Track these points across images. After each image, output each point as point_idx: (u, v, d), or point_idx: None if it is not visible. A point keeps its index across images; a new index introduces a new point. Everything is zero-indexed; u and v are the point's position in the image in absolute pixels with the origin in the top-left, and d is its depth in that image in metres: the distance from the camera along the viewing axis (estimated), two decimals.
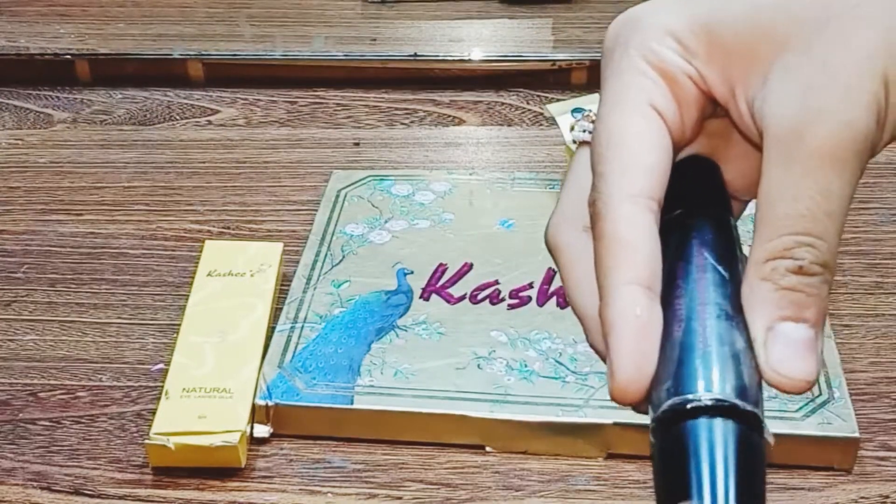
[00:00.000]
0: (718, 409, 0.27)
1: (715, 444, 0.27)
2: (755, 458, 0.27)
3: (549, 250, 0.33)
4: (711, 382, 0.27)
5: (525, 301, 0.63)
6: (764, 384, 0.28)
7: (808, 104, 0.28)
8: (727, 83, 0.30)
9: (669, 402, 0.28)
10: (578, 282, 0.31)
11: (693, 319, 0.29)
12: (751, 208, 0.31)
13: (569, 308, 0.64)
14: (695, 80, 0.31)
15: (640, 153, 0.30)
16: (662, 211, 0.30)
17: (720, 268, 0.30)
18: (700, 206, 0.31)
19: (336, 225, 0.69)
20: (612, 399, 0.29)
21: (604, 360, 0.30)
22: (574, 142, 0.33)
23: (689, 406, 0.27)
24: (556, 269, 0.65)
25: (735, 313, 0.29)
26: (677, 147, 0.31)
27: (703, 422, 0.27)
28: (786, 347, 0.28)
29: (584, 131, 0.33)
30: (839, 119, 0.28)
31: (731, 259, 0.30)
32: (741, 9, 0.30)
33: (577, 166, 0.33)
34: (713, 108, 0.32)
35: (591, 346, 0.31)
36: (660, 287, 0.29)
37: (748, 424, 0.27)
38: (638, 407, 0.29)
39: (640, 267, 0.29)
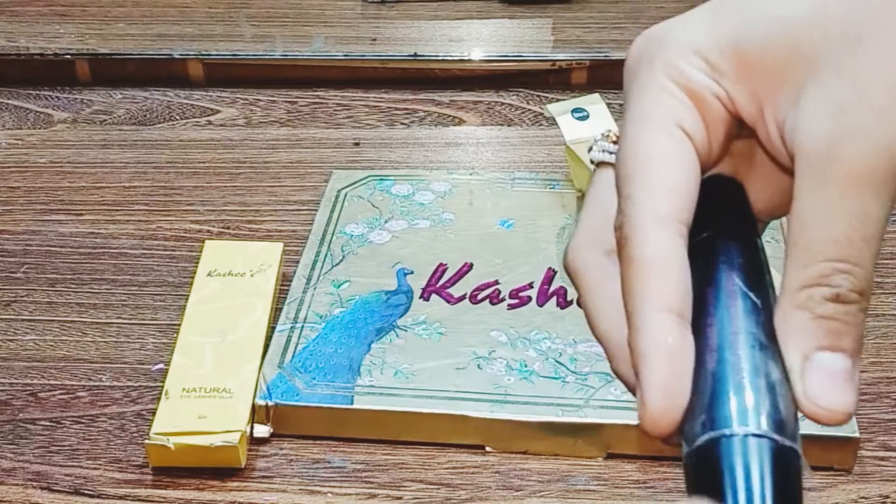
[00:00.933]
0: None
1: (751, 464, 0.26)
2: (792, 483, 0.27)
3: (569, 274, 0.32)
4: (747, 416, 0.27)
5: (525, 301, 0.63)
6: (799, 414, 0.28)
7: (842, 124, 0.27)
8: (755, 103, 0.30)
9: (705, 436, 0.27)
10: (601, 307, 0.31)
11: (725, 349, 0.28)
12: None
13: (569, 308, 0.65)
14: (722, 100, 0.30)
15: (669, 175, 0.29)
16: (689, 233, 0.29)
17: (752, 294, 0.29)
18: (727, 228, 0.31)
19: (336, 225, 0.69)
20: (644, 430, 0.28)
21: (630, 388, 0.29)
22: (592, 162, 0.33)
23: (725, 441, 0.27)
24: (556, 270, 0.65)
25: (769, 342, 0.28)
26: (704, 168, 0.30)
27: (738, 443, 0.27)
28: (823, 378, 0.27)
29: (604, 152, 0.32)
30: (875, 139, 0.27)
31: (761, 284, 0.29)
32: (770, 26, 0.29)
33: (596, 187, 0.32)
34: (739, 129, 0.31)
35: (616, 372, 0.31)
36: (690, 314, 0.28)
37: (785, 458, 0.27)
38: (668, 439, 0.29)
39: (671, 293, 0.28)
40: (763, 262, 0.30)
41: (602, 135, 0.33)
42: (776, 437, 0.27)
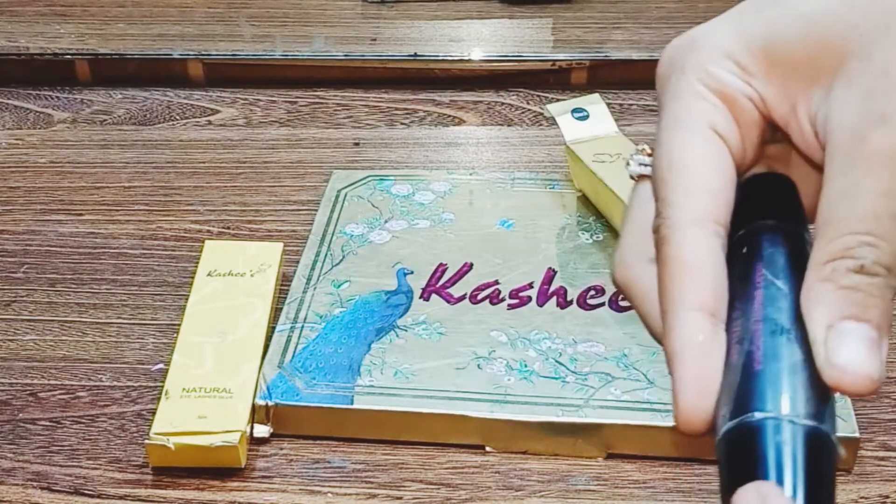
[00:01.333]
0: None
1: (782, 442, 0.27)
2: (821, 457, 0.27)
3: (619, 288, 0.32)
4: (765, 402, 0.27)
5: (525, 301, 0.63)
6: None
7: (871, 108, 0.28)
8: (788, 101, 0.30)
9: (725, 427, 0.27)
10: (655, 314, 0.31)
11: (746, 340, 0.28)
12: None
13: (569, 308, 0.65)
14: (754, 101, 0.30)
15: (704, 176, 0.29)
16: (731, 231, 0.29)
17: (778, 282, 0.29)
18: (767, 223, 0.31)
19: (336, 225, 0.69)
20: (678, 428, 0.28)
21: None
22: (631, 177, 0.33)
23: (743, 427, 0.27)
24: (556, 270, 0.65)
25: (792, 326, 0.28)
26: (739, 171, 0.31)
27: (754, 428, 0.27)
28: (847, 343, 0.27)
29: (641, 165, 0.33)
30: None
31: (791, 272, 0.29)
32: (797, 24, 0.30)
33: (635, 201, 0.33)
34: (773, 133, 0.31)
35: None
36: (725, 313, 0.28)
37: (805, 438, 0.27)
38: (702, 436, 0.29)
39: (704, 292, 0.28)
40: (804, 251, 0.30)
41: (637, 149, 0.34)
42: (794, 419, 0.27)
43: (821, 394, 0.27)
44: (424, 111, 0.86)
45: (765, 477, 0.26)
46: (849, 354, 0.27)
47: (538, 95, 0.87)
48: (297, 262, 0.66)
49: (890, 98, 0.28)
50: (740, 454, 0.27)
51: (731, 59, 0.30)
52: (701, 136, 0.30)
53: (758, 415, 0.27)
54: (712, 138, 0.30)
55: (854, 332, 0.27)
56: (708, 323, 0.28)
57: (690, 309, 0.28)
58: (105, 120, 0.86)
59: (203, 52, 0.90)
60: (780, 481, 0.26)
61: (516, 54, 0.89)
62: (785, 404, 0.27)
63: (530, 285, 0.64)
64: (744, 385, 0.27)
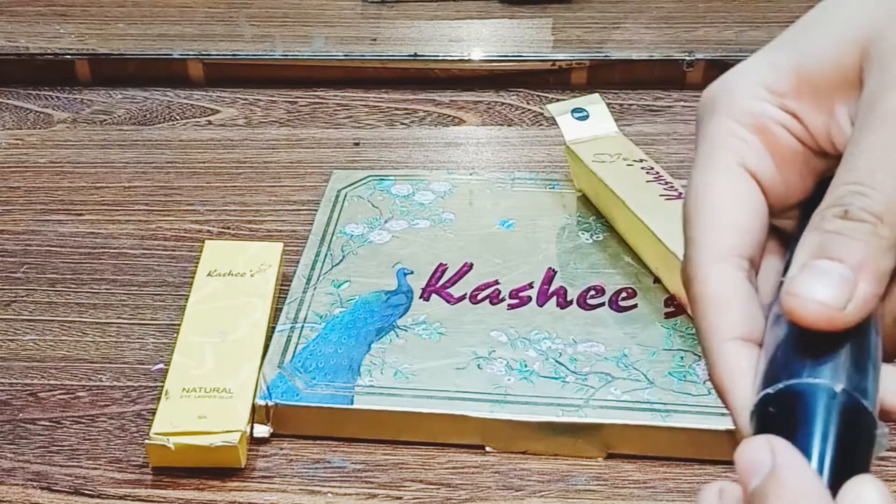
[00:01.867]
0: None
1: (809, 404, 0.27)
2: (848, 422, 0.26)
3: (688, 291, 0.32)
4: (760, 386, 0.27)
5: (525, 301, 0.63)
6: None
7: (884, 79, 0.28)
8: (824, 111, 0.30)
9: (754, 400, 0.28)
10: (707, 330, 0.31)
11: (767, 331, 0.29)
12: None
13: (569, 308, 0.65)
14: (790, 128, 0.30)
15: (728, 213, 0.30)
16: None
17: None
18: None
19: (336, 225, 0.69)
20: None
21: None
22: None
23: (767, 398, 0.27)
24: (556, 270, 0.65)
25: None
26: (781, 206, 0.31)
27: (797, 390, 0.27)
28: (813, 277, 0.27)
29: None
30: None
31: None
32: (826, 39, 0.30)
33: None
34: (824, 163, 0.31)
35: None
36: (761, 333, 0.29)
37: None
38: None
39: (735, 322, 0.28)
40: None
41: None
42: (784, 383, 0.27)
43: (859, 366, 0.27)
44: (424, 111, 0.86)
45: (785, 435, 0.26)
46: (809, 286, 0.27)
47: (538, 95, 0.87)
48: (297, 262, 0.66)
49: None
50: (766, 419, 0.27)
51: (762, 87, 0.31)
52: (728, 173, 0.30)
53: (786, 382, 0.27)
54: (740, 175, 0.30)
55: (823, 268, 0.27)
56: (746, 348, 0.28)
57: (725, 340, 0.28)
58: (105, 120, 0.86)
59: (203, 52, 0.90)
60: (800, 438, 0.26)
61: (516, 54, 0.89)
62: (775, 378, 0.27)
63: (530, 285, 0.64)
64: (764, 368, 0.28)
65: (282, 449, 0.56)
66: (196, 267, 0.64)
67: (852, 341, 0.28)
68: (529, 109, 0.86)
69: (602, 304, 0.62)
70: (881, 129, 0.28)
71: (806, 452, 0.26)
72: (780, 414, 0.27)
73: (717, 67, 0.87)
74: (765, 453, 0.26)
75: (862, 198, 0.27)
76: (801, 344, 0.27)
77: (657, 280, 0.64)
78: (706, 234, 0.29)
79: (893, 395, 0.28)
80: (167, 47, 0.90)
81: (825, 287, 0.27)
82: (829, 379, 0.27)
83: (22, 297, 0.67)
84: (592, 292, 0.63)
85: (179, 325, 0.61)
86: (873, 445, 0.27)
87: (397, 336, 0.60)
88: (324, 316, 0.61)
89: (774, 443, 0.26)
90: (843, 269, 0.27)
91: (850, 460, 0.26)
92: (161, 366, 0.61)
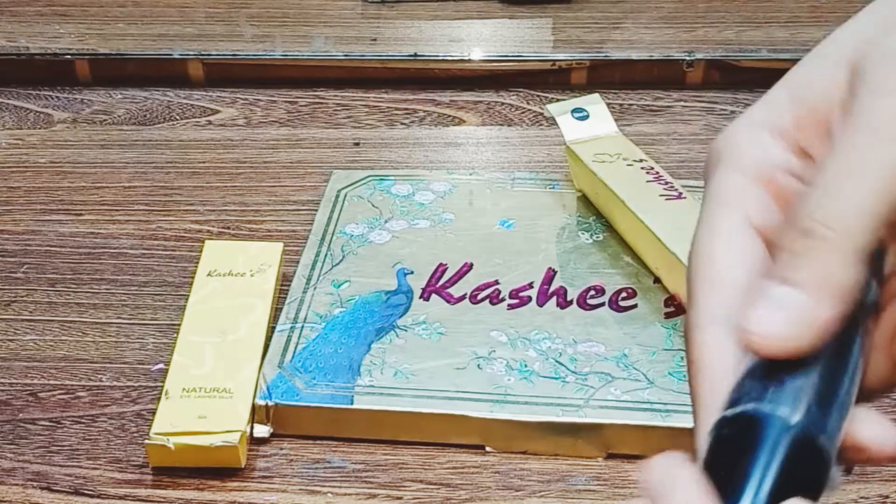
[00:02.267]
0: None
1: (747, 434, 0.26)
2: (786, 452, 0.25)
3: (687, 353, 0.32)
4: (722, 408, 0.27)
5: (525, 301, 0.63)
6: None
7: (866, 86, 0.27)
8: (825, 133, 0.29)
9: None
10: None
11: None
12: None
13: (569, 308, 0.65)
14: (796, 171, 0.29)
15: (727, 274, 0.28)
16: None
17: None
18: None
19: (336, 225, 0.69)
20: None
21: None
22: None
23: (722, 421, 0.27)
24: (556, 270, 0.65)
25: None
26: None
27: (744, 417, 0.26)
28: (766, 304, 0.26)
29: None
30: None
31: None
32: (816, 64, 0.30)
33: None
34: None
35: None
36: None
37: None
38: None
39: (721, 392, 0.27)
40: None
41: None
42: (728, 412, 0.26)
43: (825, 398, 0.26)
44: (424, 111, 0.86)
45: (731, 460, 0.26)
46: (764, 317, 0.26)
47: (538, 95, 0.87)
48: (297, 262, 0.66)
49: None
50: (719, 441, 0.27)
51: (764, 130, 0.30)
52: (730, 233, 0.29)
53: (744, 407, 0.26)
54: (743, 233, 0.29)
55: (777, 295, 0.26)
56: None
57: (710, 412, 0.27)
58: (105, 120, 0.85)
59: (203, 52, 0.90)
60: (744, 466, 0.25)
61: (516, 54, 0.89)
62: (737, 402, 0.26)
63: (530, 285, 0.64)
64: (741, 385, 0.27)
65: (282, 449, 0.56)
66: (196, 267, 0.64)
67: (824, 367, 0.27)
68: (529, 109, 0.86)
69: (602, 304, 0.62)
70: (854, 136, 0.27)
71: (746, 481, 0.25)
72: (732, 438, 0.26)
73: (717, 67, 0.87)
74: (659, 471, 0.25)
75: (822, 210, 0.26)
76: (768, 370, 0.27)
77: (657, 280, 0.64)
78: (704, 296, 0.29)
79: (868, 433, 0.27)
80: (167, 47, 0.90)
81: (779, 317, 0.26)
82: (786, 409, 0.26)
83: (22, 297, 0.67)
84: (592, 292, 0.63)
85: (179, 325, 0.61)
86: (824, 484, 0.26)
87: (397, 336, 0.60)
88: (324, 316, 0.61)
89: (671, 461, 0.26)
90: (797, 294, 0.26)
91: (789, 495, 0.25)
92: (161, 366, 0.61)
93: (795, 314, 0.26)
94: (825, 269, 0.26)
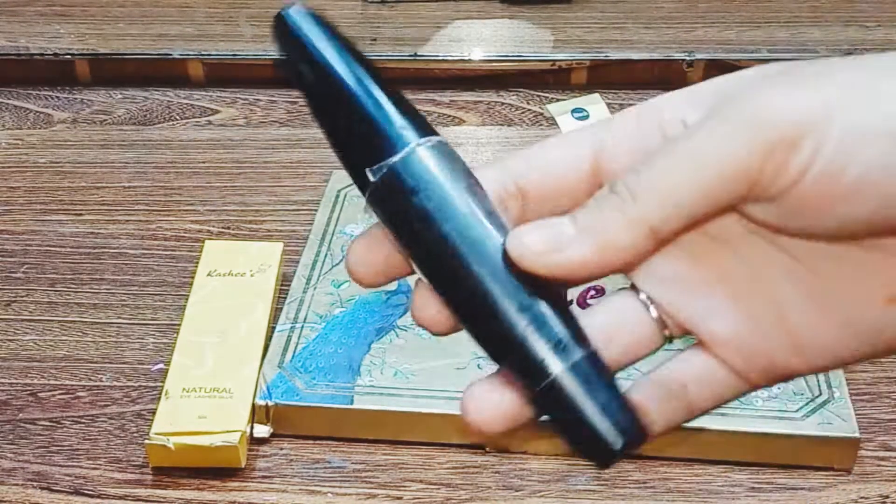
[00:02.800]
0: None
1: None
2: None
3: None
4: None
5: None
6: None
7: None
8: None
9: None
10: None
11: None
12: None
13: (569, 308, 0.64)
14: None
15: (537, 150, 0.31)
16: None
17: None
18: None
19: (336, 225, 0.69)
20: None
21: None
22: None
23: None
24: None
25: None
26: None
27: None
28: (539, 224, 0.28)
29: None
30: None
31: None
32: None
33: None
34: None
35: None
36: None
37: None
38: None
39: None
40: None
41: None
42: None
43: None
44: (424, 111, 0.85)
45: None
46: (529, 229, 0.28)
47: (538, 95, 0.87)
48: (297, 262, 0.66)
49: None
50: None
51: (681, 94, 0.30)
52: (574, 137, 0.31)
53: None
54: (583, 140, 0.31)
55: (552, 221, 0.28)
56: None
57: None
58: (105, 120, 0.85)
59: (203, 52, 0.90)
60: None
61: (516, 54, 0.89)
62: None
63: None
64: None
65: (282, 449, 0.56)
66: (196, 267, 0.64)
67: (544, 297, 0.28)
68: (529, 109, 0.86)
69: None
70: (696, 129, 0.27)
71: None
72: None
73: (718, 67, 0.87)
74: None
75: (633, 175, 0.27)
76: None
77: None
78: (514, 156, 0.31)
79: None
80: (167, 47, 0.90)
81: (541, 234, 0.28)
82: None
83: (22, 297, 0.67)
84: (592, 292, 0.63)
85: (179, 325, 0.61)
86: None
87: (397, 336, 0.60)
88: (324, 316, 0.61)
89: None
90: (567, 226, 0.28)
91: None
92: (161, 366, 0.61)
93: (552, 237, 0.27)
94: (604, 222, 0.27)
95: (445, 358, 0.59)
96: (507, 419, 0.29)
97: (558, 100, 0.81)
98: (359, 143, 0.30)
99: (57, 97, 0.88)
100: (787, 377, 0.30)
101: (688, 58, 0.87)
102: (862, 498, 0.53)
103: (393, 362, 0.58)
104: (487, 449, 0.56)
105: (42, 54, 0.90)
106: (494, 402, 0.29)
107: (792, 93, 0.26)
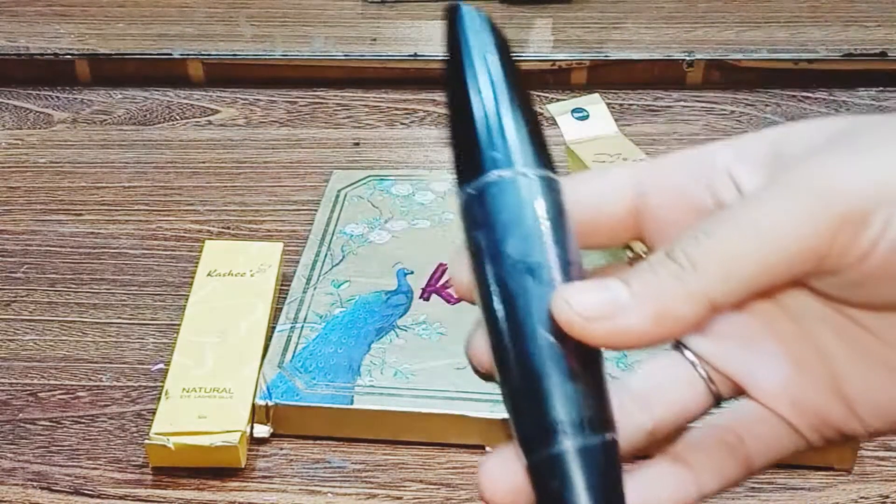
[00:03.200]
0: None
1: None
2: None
3: None
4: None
5: None
6: None
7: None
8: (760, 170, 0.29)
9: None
10: None
11: None
12: None
13: None
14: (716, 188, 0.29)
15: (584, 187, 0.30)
16: None
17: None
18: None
19: (336, 225, 0.69)
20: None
21: None
22: None
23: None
24: None
25: None
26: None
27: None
28: (591, 285, 0.26)
29: None
30: None
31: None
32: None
33: None
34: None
35: None
36: None
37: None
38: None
39: None
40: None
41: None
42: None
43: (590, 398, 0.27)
44: (424, 111, 0.86)
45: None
46: (580, 289, 0.26)
47: (538, 95, 0.87)
48: (297, 262, 0.66)
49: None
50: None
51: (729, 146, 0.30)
52: (615, 176, 0.30)
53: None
54: (621, 181, 0.30)
55: (605, 283, 0.26)
56: None
57: None
58: (105, 120, 0.85)
59: (203, 52, 0.90)
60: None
61: (516, 54, 0.89)
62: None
63: None
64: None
65: (282, 449, 0.56)
66: (196, 267, 0.64)
67: (585, 374, 0.26)
68: None
69: None
70: (765, 196, 0.26)
71: None
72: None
73: (718, 67, 0.87)
74: None
75: (692, 241, 0.26)
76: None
77: None
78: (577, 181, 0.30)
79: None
80: (167, 47, 0.90)
81: (589, 296, 0.26)
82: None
83: (22, 297, 0.67)
84: None
85: (179, 325, 0.61)
86: None
87: (397, 336, 0.60)
88: (324, 316, 0.61)
89: None
90: (622, 290, 0.26)
91: None
92: (161, 366, 0.61)
93: (606, 302, 0.26)
94: (662, 290, 0.26)
95: (445, 358, 0.59)
96: (522, 494, 0.27)
97: (558, 100, 0.81)
98: (464, 152, 0.28)
99: (57, 97, 0.88)
100: (844, 437, 0.28)
101: (688, 58, 0.87)
102: (862, 498, 0.53)
103: (393, 362, 0.58)
104: (487, 449, 0.56)
105: (42, 54, 0.90)
106: (508, 477, 0.27)
107: (860, 163, 0.25)
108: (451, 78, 0.29)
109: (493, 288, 0.27)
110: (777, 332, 0.28)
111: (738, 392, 0.29)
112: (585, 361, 0.27)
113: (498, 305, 0.27)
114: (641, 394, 0.29)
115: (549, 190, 0.27)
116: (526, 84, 0.29)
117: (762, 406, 0.29)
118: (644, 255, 0.30)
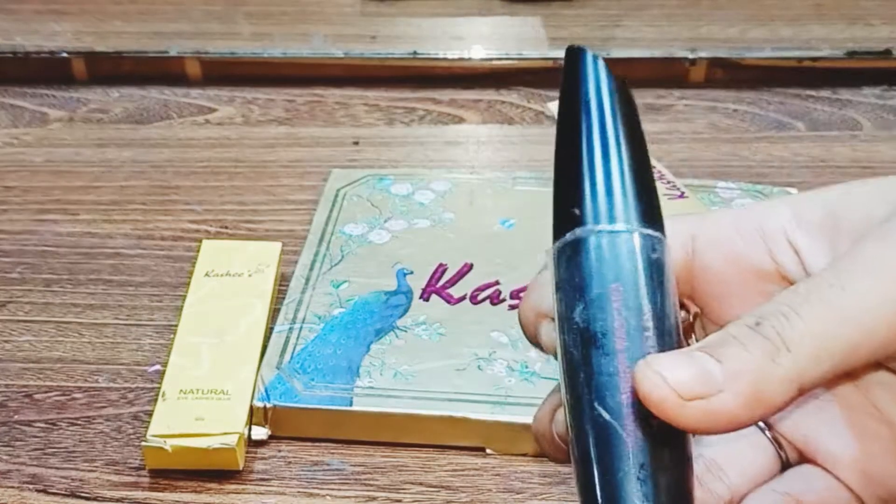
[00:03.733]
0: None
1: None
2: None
3: None
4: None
5: None
6: None
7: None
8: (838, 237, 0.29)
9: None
10: None
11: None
12: None
13: None
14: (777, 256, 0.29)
15: None
16: None
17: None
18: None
19: (335, 224, 0.69)
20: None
21: None
22: None
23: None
24: None
25: None
26: None
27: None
28: (680, 357, 0.25)
29: None
30: None
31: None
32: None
33: None
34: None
35: None
36: None
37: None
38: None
39: None
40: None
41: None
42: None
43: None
44: (424, 110, 0.86)
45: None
46: (671, 362, 0.25)
47: (539, 94, 0.86)
48: (296, 262, 0.65)
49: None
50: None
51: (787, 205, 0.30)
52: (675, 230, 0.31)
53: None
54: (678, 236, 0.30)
55: (696, 356, 0.25)
56: None
57: None
58: (101, 119, 0.85)
59: (200, 50, 0.89)
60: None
61: (517, 52, 0.89)
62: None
63: None
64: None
65: (280, 451, 0.56)
66: (193, 267, 0.64)
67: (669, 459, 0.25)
68: (530, 108, 0.85)
69: None
70: (836, 265, 0.26)
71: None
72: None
73: (720, 65, 0.86)
74: None
75: (782, 319, 0.25)
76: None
77: None
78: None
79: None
80: (164, 45, 0.90)
81: (683, 371, 0.25)
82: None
83: (17, 297, 0.66)
84: None
85: (176, 325, 0.60)
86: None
87: (397, 337, 0.60)
88: (323, 316, 0.61)
89: None
90: (714, 366, 0.25)
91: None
92: (158, 367, 0.61)
93: (700, 379, 0.24)
94: (753, 366, 0.25)
95: (445, 359, 0.58)
96: None
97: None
98: (567, 200, 0.28)
99: (53, 96, 0.88)
100: None
101: (690, 56, 0.86)
102: None
103: (392, 363, 0.58)
104: (488, 451, 0.55)
105: (38, 52, 0.89)
106: None
107: None
108: (562, 126, 0.29)
109: (568, 350, 0.26)
110: (846, 402, 0.28)
111: (804, 459, 0.29)
112: (673, 438, 0.25)
113: (573, 384, 0.26)
114: (716, 462, 0.28)
115: (644, 249, 0.27)
116: (641, 139, 0.29)
117: (828, 473, 0.28)
118: (697, 316, 0.30)
